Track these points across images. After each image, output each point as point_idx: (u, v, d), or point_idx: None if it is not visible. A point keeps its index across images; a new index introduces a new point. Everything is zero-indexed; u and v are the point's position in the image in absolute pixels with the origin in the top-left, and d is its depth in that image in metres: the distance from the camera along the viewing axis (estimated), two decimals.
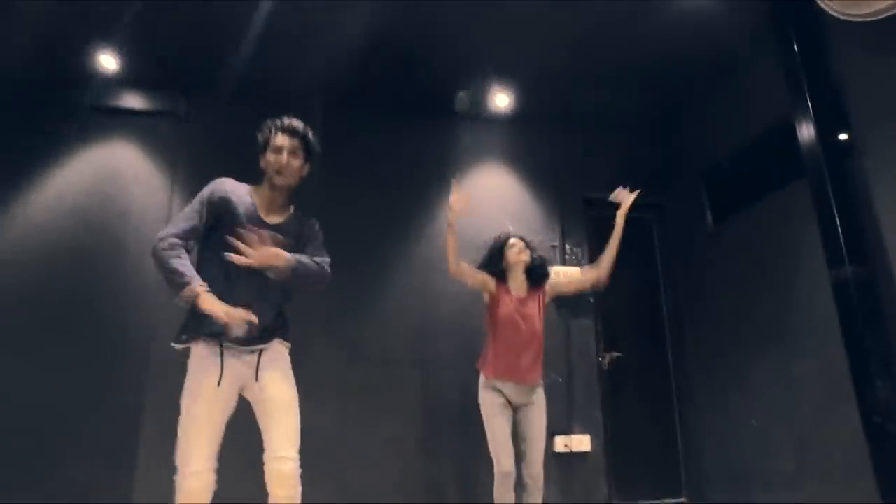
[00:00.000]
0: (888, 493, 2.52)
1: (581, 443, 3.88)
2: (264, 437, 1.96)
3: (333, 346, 3.76)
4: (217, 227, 1.99)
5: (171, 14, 3.46)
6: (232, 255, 1.85)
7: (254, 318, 1.84)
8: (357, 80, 4.13)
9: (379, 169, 4.31)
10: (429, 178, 4.33)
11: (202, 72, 3.95)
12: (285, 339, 2.10)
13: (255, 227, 1.94)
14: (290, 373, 2.08)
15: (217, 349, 1.92)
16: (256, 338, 1.97)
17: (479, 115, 4.44)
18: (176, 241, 1.90)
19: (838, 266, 2.80)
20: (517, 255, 2.90)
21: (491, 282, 2.92)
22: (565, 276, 3.09)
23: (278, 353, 2.06)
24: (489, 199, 4.37)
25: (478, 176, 4.44)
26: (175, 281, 1.84)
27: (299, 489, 1.94)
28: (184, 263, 1.87)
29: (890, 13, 2.56)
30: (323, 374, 3.62)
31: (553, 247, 4.34)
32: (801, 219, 3.25)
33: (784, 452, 3.36)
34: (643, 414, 4.26)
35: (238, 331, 1.87)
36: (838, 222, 2.82)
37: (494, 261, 2.96)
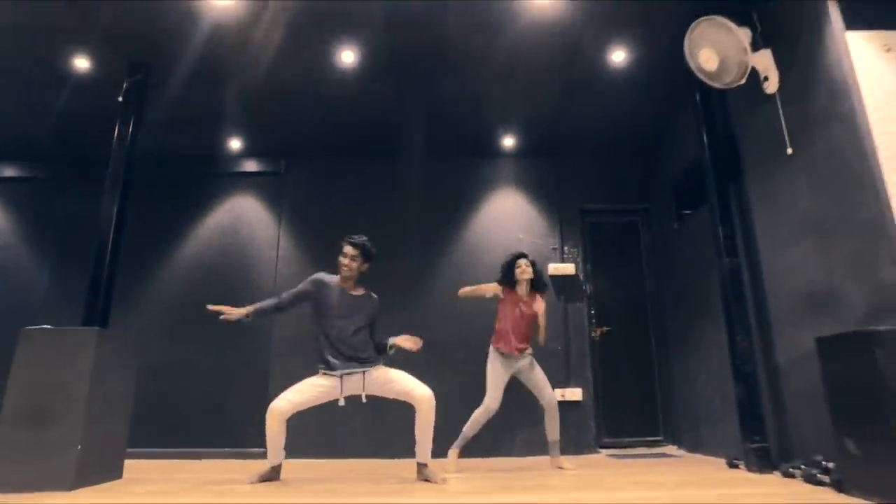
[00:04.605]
0: (744, 414, 3.70)
1: (574, 394, 5.23)
2: None
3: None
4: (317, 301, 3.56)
5: (269, 103, 5.19)
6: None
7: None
8: (404, 136, 5.72)
9: (422, 196, 5.88)
10: (459, 202, 5.86)
11: (294, 139, 5.71)
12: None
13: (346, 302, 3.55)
14: None
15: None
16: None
17: (493, 155, 5.91)
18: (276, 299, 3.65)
19: (720, 258, 3.99)
20: (521, 274, 4.13)
21: (500, 290, 4.19)
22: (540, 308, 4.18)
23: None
24: (504, 216, 5.83)
25: (494, 199, 5.90)
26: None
27: None
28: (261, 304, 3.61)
29: (736, 84, 3.73)
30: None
31: (554, 249, 5.70)
32: None
33: (715, 397, 4.54)
34: (627, 373, 5.52)
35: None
36: (719, 228, 4.01)
37: (508, 275, 4.17)
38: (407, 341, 3.54)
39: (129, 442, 4.05)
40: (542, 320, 4.13)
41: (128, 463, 3.74)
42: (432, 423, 3.40)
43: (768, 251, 3.84)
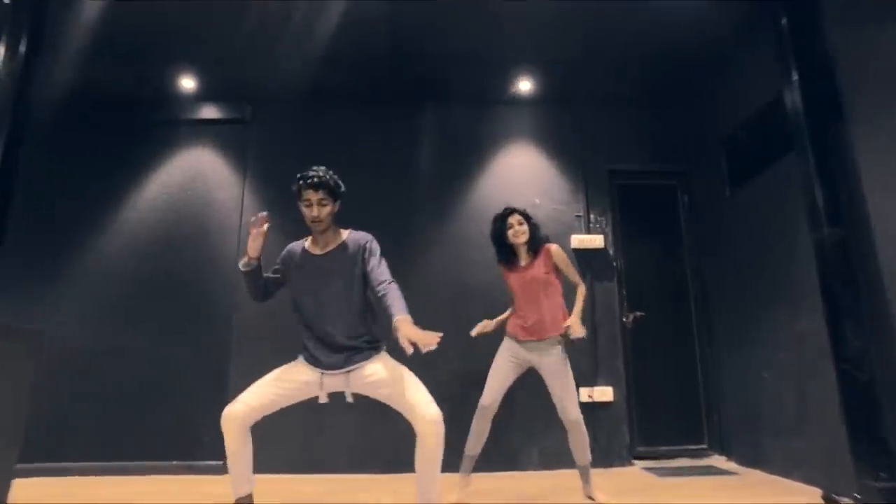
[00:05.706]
0: (856, 435, 2.79)
1: (604, 393, 4.30)
2: None
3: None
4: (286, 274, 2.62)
5: (233, 37, 4.09)
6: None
7: None
8: (398, 76, 4.65)
9: (420, 153, 4.83)
10: (464, 158, 4.82)
11: (261, 81, 4.61)
12: None
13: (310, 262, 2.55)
14: None
15: None
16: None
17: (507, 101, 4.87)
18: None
19: (817, 229, 3.03)
20: (514, 237, 3.22)
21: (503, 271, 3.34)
22: (566, 265, 3.38)
23: None
24: (518, 176, 4.80)
25: (507, 155, 4.85)
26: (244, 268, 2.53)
27: None
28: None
29: None
30: None
31: (578, 217, 4.71)
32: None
33: (788, 402, 3.63)
34: (666, 367, 4.58)
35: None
36: (817, 189, 3.03)
37: (502, 245, 3.28)
38: (409, 329, 2.22)
39: (44, 455, 3.20)
40: (563, 264, 3.22)
41: (35, 483, 2.80)
42: (439, 457, 2.34)
43: (887, 218, 2.88)
